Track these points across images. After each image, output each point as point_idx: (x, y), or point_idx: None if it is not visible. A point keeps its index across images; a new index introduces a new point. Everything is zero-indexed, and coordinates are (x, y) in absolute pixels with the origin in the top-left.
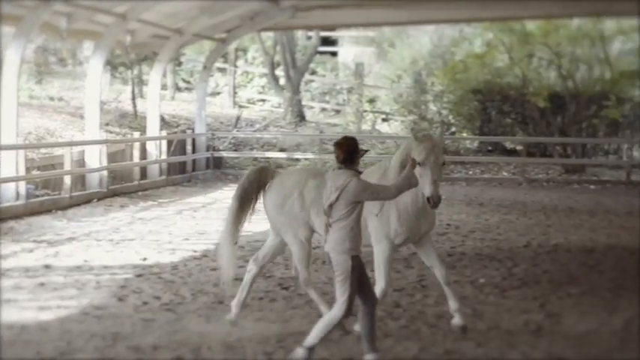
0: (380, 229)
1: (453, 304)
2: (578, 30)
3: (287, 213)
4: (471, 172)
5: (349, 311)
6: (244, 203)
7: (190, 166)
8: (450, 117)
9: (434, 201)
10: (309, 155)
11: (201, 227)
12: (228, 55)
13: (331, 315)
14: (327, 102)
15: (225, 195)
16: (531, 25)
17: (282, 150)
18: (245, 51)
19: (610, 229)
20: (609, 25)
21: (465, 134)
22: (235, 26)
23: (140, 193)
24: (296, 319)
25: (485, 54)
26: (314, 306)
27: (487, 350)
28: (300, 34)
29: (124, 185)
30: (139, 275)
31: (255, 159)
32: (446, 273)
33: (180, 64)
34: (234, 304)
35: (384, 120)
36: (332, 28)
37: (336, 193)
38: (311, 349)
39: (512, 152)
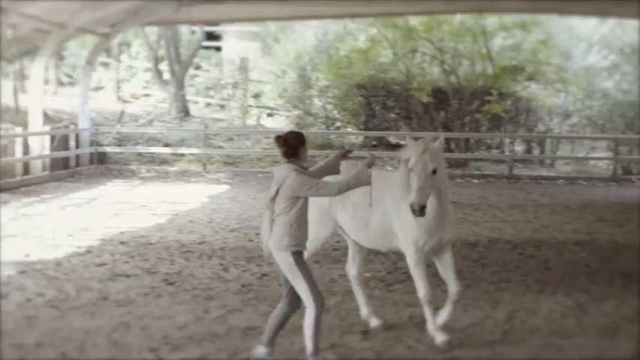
0: (404, 235)
1: (435, 320)
2: (461, 26)
3: (318, 208)
4: None
5: (321, 303)
6: None
7: (74, 161)
8: (335, 112)
9: (413, 209)
10: (195, 150)
11: (85, 223)
12: (112, 50)
13: (308, 317)
14: (212, 97)
15: (110, 190)
16: (414, 21)
17: (166, 145)
18: (129, 45)
19: (493, 223)
20: (491, 20)
21: (349, 129)
22: (119, 20)
23: (23, 188)
24: (182, 315)
25: (369, 49)
26: (200, 302)
27: (373, 344)
28: (184, 28)
29: (6, 181)
30: (22, 272)
31: (140, 154)
32: (457, 292)
33: (62, 58)
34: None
35: (268, 115)
36: (216, 23)
37: (276, 187)
38: (316, 353)
39: (396, 147)
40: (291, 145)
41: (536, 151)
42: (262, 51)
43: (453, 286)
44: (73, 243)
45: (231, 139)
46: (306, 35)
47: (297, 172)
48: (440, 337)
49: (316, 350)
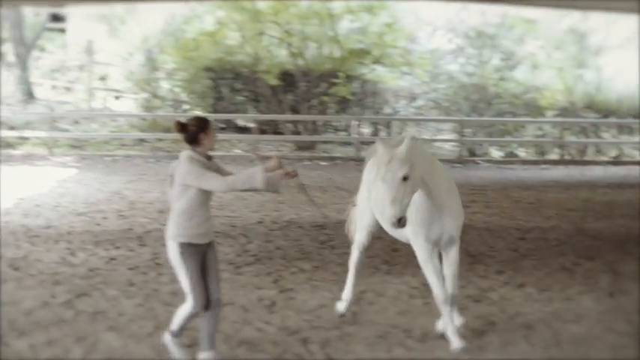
0: (410, 228)
1: (440, 324)
2: (308, 9)
3: (362, 198)
4: None
5: (200, 304)
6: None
7: None
8: (183, 95)
9: (391, 222)
10: (40, 133)
11: None
12: None
13: (184, 309)
14: (57, 79)
15: None
16: (262, 4)
17: (11, 128)
18: None
19: (341, 205)
20: (337, 4)
21: (197, 112)
22: None
23: None
24: (28, 300)
25: (217, 32)
26: (46, 286)
27: (222, 326)
28: (28, 10)
29: None
30: None
31: None
32: (452, 295)
33: None
34: None
35: (115, 98)
36: (60, 5)
37: (171, 173)
38: (176, 335)
39: (244, 130)
40: (190, 131)
41: (383, 134)
42: (109, 33)
43: (448, 287)
44: None
45: (77, 122)
46: (153, 17)
47: (188, 160)
48: (455, 343)
49: (178, 332)
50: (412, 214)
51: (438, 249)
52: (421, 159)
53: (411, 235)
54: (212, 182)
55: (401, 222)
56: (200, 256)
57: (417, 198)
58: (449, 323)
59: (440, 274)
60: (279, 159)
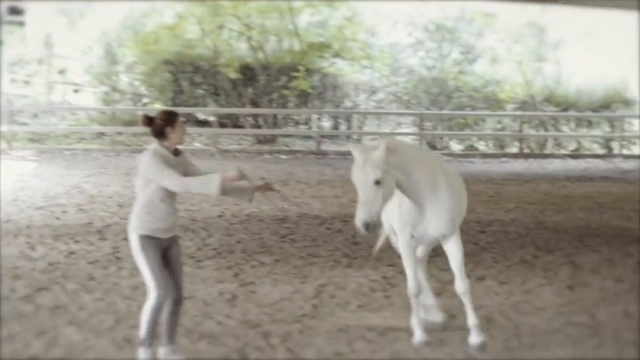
0: (396, 221)
1: (471, 320)
2: (268, 2)
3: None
4: None
5: (163, 291)
6: None
7: None
8: (142, 88)
9: (358, 225)
10: (1, 128)
11: None
12: None
13: (147, 304)
14: (16, 73)
15: None
16: None
17: None
18: None
19: (301, 199)
20: None
21: (157, 105)
22: None
23: None
24: None
25: (176, 25)
26: (6, 281)
27: (182, 320)
28: None
29: None
30: None
31: None
32: (463, 293)
33: None
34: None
35: (75, 91)
36: None
37: (137, 165)
38: (146, 340)
39: (204, 123)
40: (157, 124)
41: (343, 127)
42: (68, 26)
43: (456, 283)
44: None
45: (36, 116)
46: (112, 11)
47: (152, 153)
48: (417, 336)
49: (147, 338)
50: (399, 210)
51: (430, 246)
52: (403, 162)
53: (397, 229)
54: (168, 180)
55: (369, 228)
56: (161, 248)
57: (404, 196)
58: (415, 316)
59: (416, 269)
60: (241, 171)
